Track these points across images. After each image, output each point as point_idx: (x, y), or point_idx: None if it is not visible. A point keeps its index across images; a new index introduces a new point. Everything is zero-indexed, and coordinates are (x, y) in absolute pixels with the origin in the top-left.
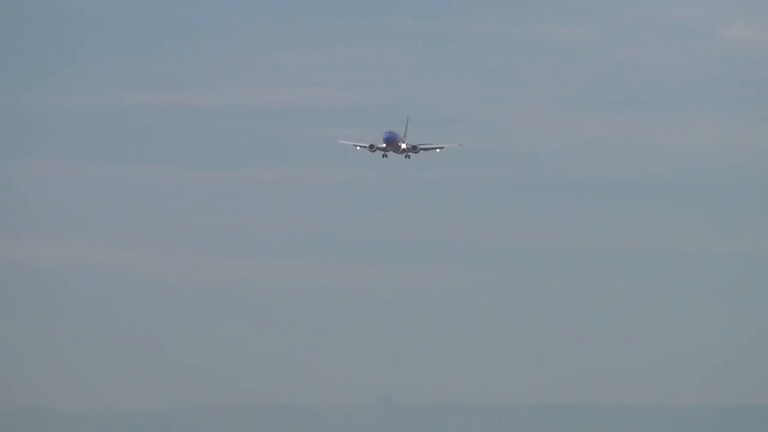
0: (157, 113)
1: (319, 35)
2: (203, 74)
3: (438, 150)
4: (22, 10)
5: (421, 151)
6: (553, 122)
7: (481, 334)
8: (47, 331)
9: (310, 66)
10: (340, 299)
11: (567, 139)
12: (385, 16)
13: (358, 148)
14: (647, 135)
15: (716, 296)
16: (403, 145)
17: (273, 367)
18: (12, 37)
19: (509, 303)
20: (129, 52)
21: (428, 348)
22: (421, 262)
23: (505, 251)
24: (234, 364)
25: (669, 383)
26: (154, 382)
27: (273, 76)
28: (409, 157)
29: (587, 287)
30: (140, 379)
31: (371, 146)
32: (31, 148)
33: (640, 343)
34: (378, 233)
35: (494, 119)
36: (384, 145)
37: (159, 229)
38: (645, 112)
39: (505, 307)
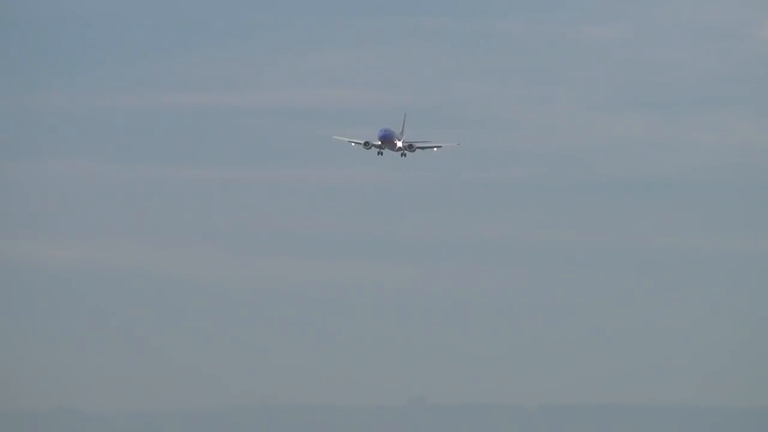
0: (183, 113)
1: (349, 35)
2: (230, 74)
3: (435, 149)
4: (60, 10)
5: (417, 150)
6: (585, 122)
7: (512, 334)
8: (77, 333)
9: (338, 66)
10: (370, 299)
11: (598, 138)
12: (416, 16)
13: (354, 144)
14: (679, 135)
15: (755, 297)
16: (399, 143)
17: (302, 368)
18: (45, 38)
19: (541, 303)
20: (154, 53)
21: (460, 348)
22: (452, 262)
23: (536, 251)
24: (264, 365)
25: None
26: (181, 383)
27: (300, 76)
28: (405, 155)
29: (615, 287)
30: (169, 380)
31: (366, 143)
32: (59, 148)
33: (677, 344)
34: (409, 233)
35: (525, 119)
36: (379, 142)
37: (187, 229)
38: (677, 112)
39: (537, 307)
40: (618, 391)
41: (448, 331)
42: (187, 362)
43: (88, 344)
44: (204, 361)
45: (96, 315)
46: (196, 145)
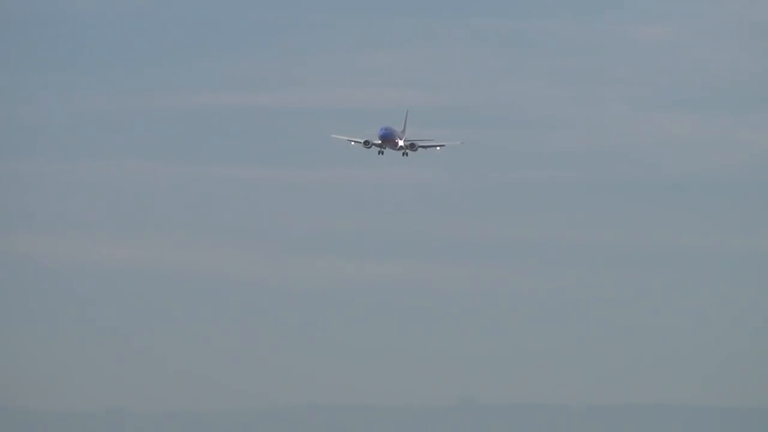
0: (225, 113)
1: (397, 35)
2: (276, 74)
3: (438, 148)
4: (96, 12)
5: (419, 149)
6: (634, 121)
7: (566, 334)
8: (134, 330)
9: (391, 66)
10: (421, 298)
11: (647, 138)
12: (467, 16)
13: (353, 143)
14: (727, 134)
15: None
16: (401, 142)
17: (352, 369)
18: (84, 40)
19: (594, 303)
20: (211, 53)
21: (511, 348)
22: (502, 262)
23: (586, 251)
24: (311, 365)
25: None
26: (229, 382)
27: (348, 76)
28: (407, 155)
29: (665, 287)
30: (217, 380)
31: (366, 142)
32: (116, 148)
33: (738, 344)
34: (457, 233)
35: (576, 119)
36: (380, 141)
37: (230, 229)
38: (726, 111)
39: (590, 307)
40: (681, 391)
41: (498, 330)
42: (236, 361)
43: (136, 343)
44: (250, 361)
45: (144, 314)
46: (241, 145)
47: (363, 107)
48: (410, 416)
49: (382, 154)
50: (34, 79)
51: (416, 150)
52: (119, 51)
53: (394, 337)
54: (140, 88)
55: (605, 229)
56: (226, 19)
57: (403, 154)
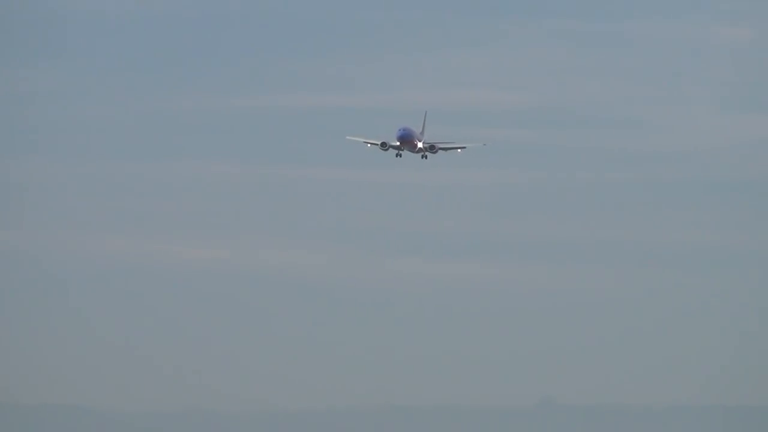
0: (305, 114)
1: (474, 35)
2: (362, 75)
3: (459, 150)
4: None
5: (439, 151)
6: (715, 122)
7: (638, 335)
8: (205, 330)
9: (470, 66)
10: (499, 299)
11: (728, 139)
12: (547, 17)
13: (369, 145)
14: None
15: None
16: (420, 144)
17: (431, 369)
18: (179, 42)
19: (685, 304)
20: (289, 54)
21: (591, 348)
22: (582, 263)
23: (665, 251)
24: (390, 365)
25: None
26: (309, 381)
27: (426, 76)
28: (426, 158)
29: (742, 288)
30: (290, 380)
31: (383, 144)
32: (186, 148)
33: None
34: (538, 233)
35: (658, 119)
36: (398, 143)
37: (326, 230)
38: None
39: (681, 308)
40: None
41: (578, 330)
42: (316, 361)
43: (207, 343)
44: (329, 361)
45: (223, 314)
46: (323, 146)
47: (443, 107)
48: (491, 417)
49: (400, 156)
50: (120, 80)
51: (436, 152)
52: (197, 52)
53: (474, 339)
54: (220, 89)
55: (692, 229)
56: (312, 19)
57: (422, 157)
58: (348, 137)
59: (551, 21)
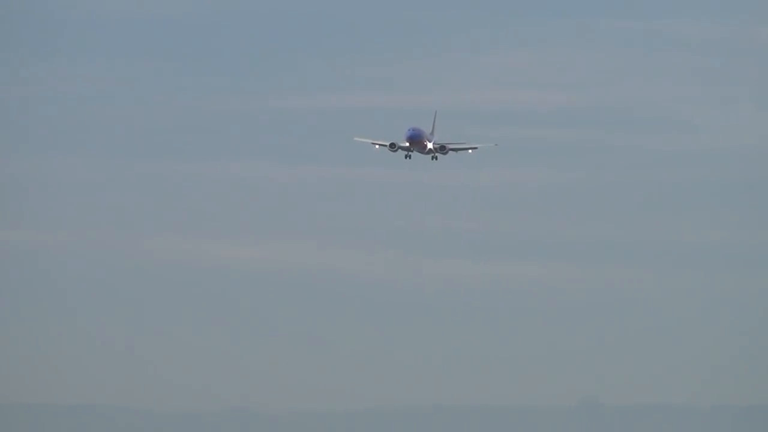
0: (355, 114)
1: (524, 35)
2: (418, 74)
3: (470, 150)
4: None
5: (450, 152)
6: (762, 122)
7: (686, 335)
8: (257, 332)
9: (522, 67)
10: (547, 300)
11: None
12: (597, 17)
13: (377, 147)
14: None
15: None
16: (430, 145)
17: (473, 369)
18: (230, 45)
19: (736, 304)
20: (337, 54)
21: (634, 348)
22: (634, 263)
23: (711, 251)
24: (437, 365)
25: None
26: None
27: (476, 76)
28: (436, 159)
29: None
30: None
31: (392, 145)
32: (244, 148)
33: None
34: (591, 234)
35: (705, 119)
36: (407, 144)
37: (368, 230)
38: None
39: (718, 307)
40: None
41: (624, 330)
42: (367, 361)
43: (270, 343)
44: (377, 361)
45: (274, 314)
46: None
47: (496, 107)
48: (536, 417)
49: (410, 158)
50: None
51: (446, 153)
52: (244, 54)
53: (523, 339)
54: (263, 90)
55: (738, 229)
56: (357, 22)
57: (432, 158)
58: (356, 138)
59: (598, 20)
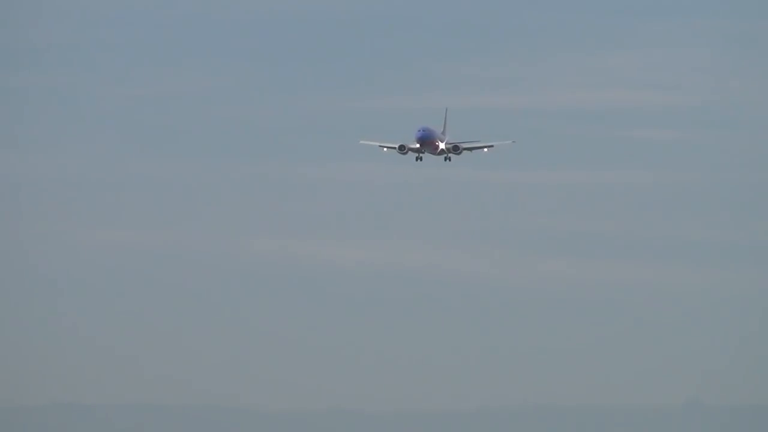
0: (470, 114)
1: (629, 36)
2: (524, 75)
3: (486, 149)
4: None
5: (464, 152)
6: None
7: (740, 335)
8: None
9: (625, 67)
10: (644, 300)
11: None
12: (697, 17)
13: (385, 149)
14: None
15: None
16: (442, 145)
17: (571, 368)
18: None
19: None
20: (434, 54)
21: (737, 348)
22: (715, 263)
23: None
24: (526, 365)
25: None
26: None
27: (584, 77)
28: (450, 159)
29: None
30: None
31: (401, 147)
32: (316, 150)
33: None
34: (673, 234)
35: None
36: (418, 145)
37: (476, 231)
38: None
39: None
40: None
41: (727, 330)
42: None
43: (363, 345)
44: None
45: (361, 314)
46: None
47: (594, 108)
48: (635, 417)
49: (421, 160)
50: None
51: (460, 153)
52: (321, 54)
53: (617, 339)
54: (355, 90)
55: None
56: (464, 21)
57: (445, 159)
58: (362, 141)
59: (700, 20)
